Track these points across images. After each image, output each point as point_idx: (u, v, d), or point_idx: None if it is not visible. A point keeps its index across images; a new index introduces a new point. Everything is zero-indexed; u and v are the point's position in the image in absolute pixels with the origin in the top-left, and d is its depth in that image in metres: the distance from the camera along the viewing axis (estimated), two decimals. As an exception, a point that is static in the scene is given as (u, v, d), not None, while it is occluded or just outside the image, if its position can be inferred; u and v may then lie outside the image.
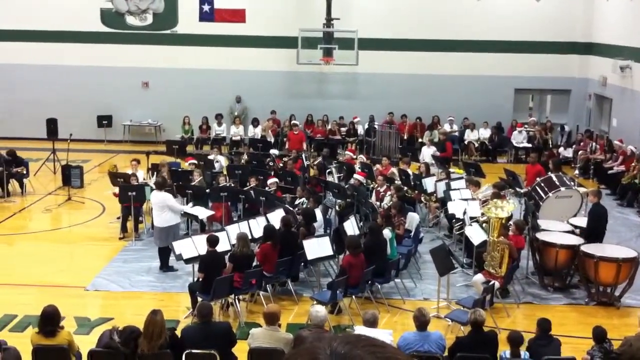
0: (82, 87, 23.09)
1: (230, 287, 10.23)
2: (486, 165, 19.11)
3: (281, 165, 16.77)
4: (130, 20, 23.37)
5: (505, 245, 10.78)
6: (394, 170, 16.02)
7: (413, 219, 12.99)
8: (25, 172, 17.21)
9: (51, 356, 7.80)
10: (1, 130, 22.79)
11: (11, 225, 15.14)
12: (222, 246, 10.82)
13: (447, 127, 21.95)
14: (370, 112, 22.57)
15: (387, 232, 11.38)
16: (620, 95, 20.39)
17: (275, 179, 14.62)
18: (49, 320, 7.79)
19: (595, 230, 12.11)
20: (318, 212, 12.80)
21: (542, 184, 13.83)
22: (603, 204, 12.70)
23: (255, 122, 22.49)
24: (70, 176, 17.46)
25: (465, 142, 22.23)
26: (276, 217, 12.05)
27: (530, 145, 21.65)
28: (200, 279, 10.34)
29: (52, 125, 19.47)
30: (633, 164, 17.15)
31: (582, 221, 12.73)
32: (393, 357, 1.68)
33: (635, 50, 19.09)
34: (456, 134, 22.24)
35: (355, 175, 15.45)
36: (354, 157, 18.32)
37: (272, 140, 21.32)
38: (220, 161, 17.13)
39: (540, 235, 11.81)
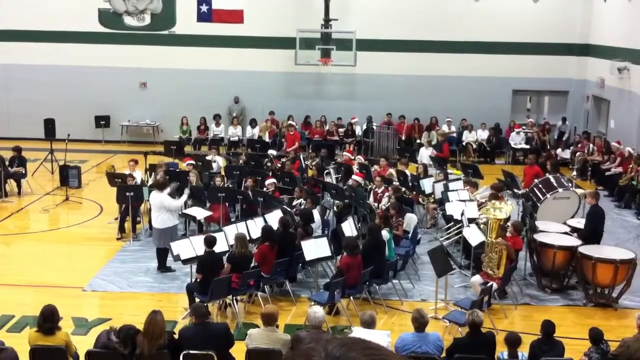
0: (80, 88, 23.09)
1: (228, 287, 10.22)
2: (484, 166, 19.11)
3: (279, 165, 16.78)
4: (128, 20, 23.37)
5: (503, 246, 10.78)
6: (392, 171, 16.03)
7: (411, 220, 13.00)
8: (23, 172, 17.20)
9: (49, 357, 7.80)
10: (-1, 130, 22.79)
11: (9, 226, 15.13)
12: (220, 247, 10.83)
13: (445, 128, 21.97)
14: (368, 113, 22.58)
15: (385, 233, 11.38)
16: (618, 97, 20.41)
17: (273, 180, 14.63)
18: (49, 317, 7.80)
19: (593, 232, 12.12)
20: (316, 213, 12.81)
21: (540, 185, 13.85)
22: (601, 205, 12.73)
23: (253, 123, 22.50)
24: (68, 176, 17.46)
25: (464, 143, 22.24)
26: (274, 218, 12.05)
27: (528, 146, 21.66)
28: (198, 280, 10.33)
29: (49, 126, 19.47)
30: (631, 166, 17.17)
31: (579, 222, 12.74)
32: None
33: (633, 52, 19.12)
34: (454, 135, 22.25)
35: (353, 176, 15.45)
36: (352, 158, 18.32)
37: (270, 140, 21.33)
38: (218, 162, 17.14)
39: (538, 237, 11.82)
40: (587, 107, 22.85)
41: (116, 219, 14.42)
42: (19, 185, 17.12)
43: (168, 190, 12.48)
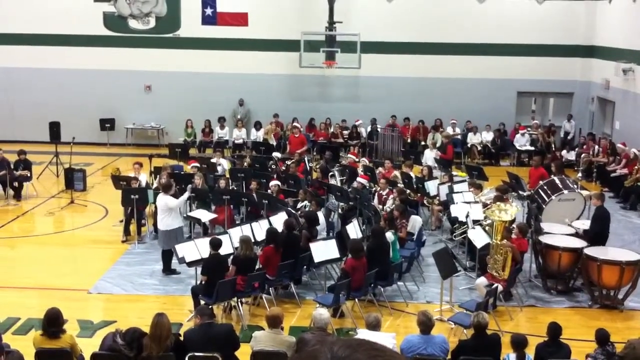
0: (85, 91, 23.15)
1: (233, 290, 10.23)
2: (489, 168, 19.11)
3: (284, 168, 16.79)
4: (133, 23, 23.42)
5: (508, 248, 10.77)
6: (397, 173, 16.02)
7: (416, 222, 12.99)
8: (29, 175, 17.24)
9: (54, 359, 7.81)
10: (4, 134, 22.84)
11: (14, 228, 15.17)
12: (225, 249, 10.83)
13: (449, 130, 21.95)
14: (372, 115, 22.58)
15: (389, 235, 11.38)
16: (623, 98, 20.38)
17: (277, 182, 14.63)
18: (53, 321, 7.81)
19: (599, 234, 12.10)
20: (320, 215, 12.81)
21: (545, 187, 13.83)
22: (606, 207, 12.70)
23: (258, 125, 22.52)
24: (73, 179, 17.49)
25: (468, 145, 22.22)
26: (279, 220, 12.06)
27: (533, 148, 21.64)
28: (203, 282, 10.34)
29: (54, 129, 19.50)
30: (636, 167, 17.13)
31: (585, 224, 12.71)
32: None
33: (638, 53, 19.08)
34: (459, 137, 22.25)
35: (357, 179, 15.46)
36: (356, 160, 18.31)
37: (274, 143, 21.34)
38: (223, 164, 17.15)
39: (543, 238, 11.80)
40: (592, 108, 22.81)
41: (121, 221, 14.45)
42: (19, 189, 17.07)
43: (171, 192, 12.47)
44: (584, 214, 13.63)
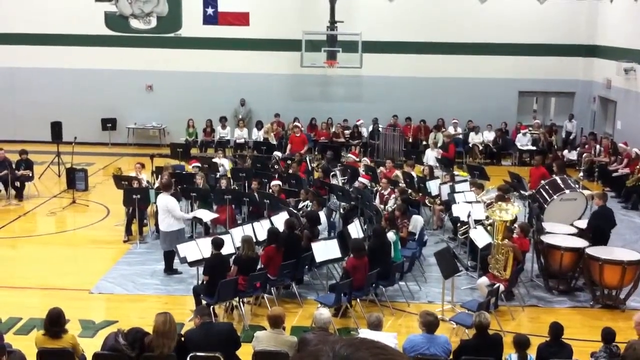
0: (87, 90, 23.17)
1: (235, 290, 10.23)
2: (490, 167, 19.10)
3: (284, 168, 16.79)
4: (134, 23, 23.43)
5: (509, 248, 10.76)
6: (398, 173, 16.02)
7: (417, 221, 12.99)
8: (30, 175, 17.24)
9: (56, 359, 7.81)
10: (6, 133, 22.85)
11: (16, 228, 15.17)
12: (227, 249, 10.84)
13: (451, 130, 21.94)
14: (374, 115, 22.57)
15: (391, 235, 11.38)
16: (625, 98, 20.37)
17: (278, 182, 14.64)
18: (55, 321, 7.81)
19: (599, 232, 12.09)
20: (322, 215, 12.81)
21: (547, 187, 13.82)
22: (608, 206, 12.70)
23: (259, 125, 22.53)
24: (75, 179, 17.50)
25: (470, 145, 22.21)
26: (280, 220, 12.06)
27: (534, 147, 21.63)
28: (205, 282, 10.34)
29: (56, 128, 19.51)
30: (637, 167, 17.13)
31: (586, 224, 12.71)
32: None
33: (639, 53, 19.10)
34: (460, 136, 22.24)
35: (359, 178, 15.46)
36: (357, 159, 18.31)
37: (276, 143, 21.34)
38: (224, 165, 17.14)
39: (545, 238, 11.80)
40: (594, 108, 22.80)
41: (124, 225, 14.37)
42: (21, 188, 17.08)
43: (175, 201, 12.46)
44: (586, 213, 13.61)
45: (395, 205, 13.16)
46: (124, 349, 7.56)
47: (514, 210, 11.31)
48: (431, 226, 14.89)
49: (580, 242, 11.71)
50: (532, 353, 8.13)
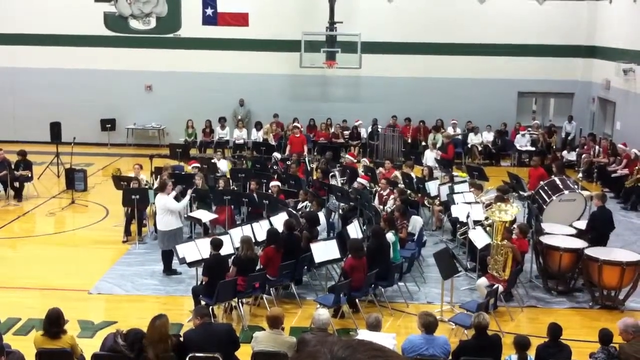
0: (86, 91, 23.17)
1: (234, 290, 10.23)
2: (489, 168, 19.11)
3: (284, 168, 16.79)
4: (134, 24, 23.43)
5: (509, 248, 10.77)
6: (397, 173, 16.02)
7: (416, 222, 12.99)
8: (29, 175, 17.24)
9: (55, 360, 7.82)
10: (5, 134, 22.86)
11: (15, 229, 15.17)
12: (226, 250, 10.83)
13: (450, 131, 21.95)
14: (373, 116, 22.59)
15: (390, 236, 11.38)
16: (624, 99, 20.38)
17: (277, 182, 14.64)
18: (54, 321, 7.81)
19: (597, 234, 12.10)
20: (321, 216, 12.81)
21: (546, 188, 13.83)
22: (607, 207, 12.70)
23: (259, 126, 22.52)
24: (74, 179, 17.49)
25: (469, 146, 22.22)
26: (279, 221, 12.06)
27: (533, 148, 21.64)
28: (204, 282, 10.34)
29: (55, 129, 19.51)
30: (637, 168, 17.13)
31: (586, 225, 12.71)
32: None
33: (639, 53, 19.08)
34: (459, 137, 22.25)
35: (358, 179, 15.46)
36: (355, 160, 18.32)
37: (275, 143, 21.34)
38: (222, 167, 17.07)
39: (544, 239, 11.80)
40: (593, 108, 22.81)
41: (123, 225, 14.35)
42: (20, 189, 17.06)
43: (173, 193, 12.48)
44: (585, 214, 13.61)
45: (394, 206, 13.17)
46: (123, 349, 7.56)
47: (513, 211, 11.32)
48: (430, 227, 14.89)
49: (579, 243, 11.71)
50: (530, 354, 8.13)
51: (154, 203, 13.25)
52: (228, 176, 16.06)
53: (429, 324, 8.06)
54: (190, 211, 14.15)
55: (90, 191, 17.93)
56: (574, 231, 12.46)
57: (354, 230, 12.17)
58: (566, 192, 13.62)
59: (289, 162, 17.09)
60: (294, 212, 12.99)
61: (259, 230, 12.00)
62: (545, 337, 8.46)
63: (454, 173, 17.42)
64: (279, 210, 12.87)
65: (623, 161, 18.29)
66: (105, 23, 23.31)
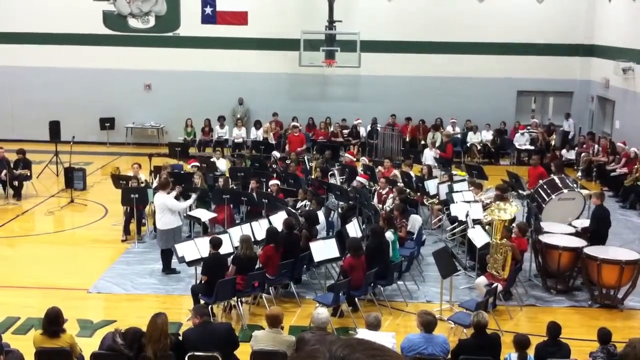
0: (85, 90, 23.15)
1: (233, 289, 10.22)
2: (489, 167, 19.10)
3: (283, 167, 16.78)
4: (133, 22, 23.42)
5: (508, 247, 10.77)
6: (397, 172, 16.02)
7: (415, 221, 12.99)
8: (28, 174, 17.22)
9: (54, 359, 7.81)
10: (4, 133, 22.82)
11: (14, 228, 15.16)
12: (225, 248, 10.83)
13: (449, 129, 21.95)
14: (372, 115, 22.58)
15: (389, 235, 11.38)
16: (623, 97, 20.38)
17: (277, 181, 14.63)
18: (53, 320, 7.81)
19: (598, 233, 12.11)
20: (320, 215, 12.81)
21: (545, 186, 13.83)
22: (606, 206, 12.70)
23: (258, 125, 22.52)
24: (73, 178, 17.47)
25: (468, 145, 22.22)
26: (279, 220, 12.06)
27: (532, 147, 21.64)
28: (203, 281, 10.34)
29: (54, 128, 19.50)
30: (636, 166, 17.13)
31: (585, 223, 12.71)
32: None
33: (637, 52, 19.08)
34: (458, 136, 22.25)
35: (357, 178, 15.45)
36: (354, 159, 18.31)
37: (274, 142, 21.34)
38: (220, 166, 17.04)
39: (543, 238, 11.80)
40: (592, 107, 22.81)
41: (122, 224, 14.35)
42: (19, 188, 17.04)
43: (174, 193, 12.48)
44: (584, 213, 13.62)
45: (393, 205, 13.17)
46: (121, 348, 7.56)
47: (512, 209, 11.32)
48: (429, 226, 14.89)
49: (578, 242, 11.71)
50: (529, 352, 8.13)
51: (153, 202, 13.24)
52: (227, 175, 16.05)
53: (428, 323, 8.06)
54: (190, 210, 14.14)
55: (90, 190, 17.92)
56: (573, 230, 12.46)
57: (353, 229, 12.17)
58: (565, 190, 13.62)
59: (288, 161, 17.09)
60: (293, 211, 12.98)
61: (258, 229, 12.00)
62: (544, 336, 8.46)
63: (453, 172, 17.41)
64: (278, 209, 12.87)
65: (622, 160, 18.29)
66: (104, 22, 23.29)
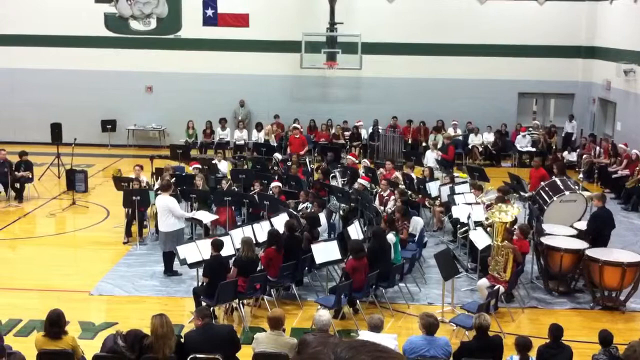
0: (86, 92, 23.16)
1: (235, 291, 10.22)
2: (490, 169, 19.09)
3: (284, 169, 16.78)
4: (134, 24, 23.44)
5: (509, 249, 10.76)
6: (398, 174, 16.01)
7: (417, 223, 12.98)
8: (30, 176, 17.23)
9: (56, 361, 7.81)
10: (6, 135, 22.84)
11: (15, 230, 15.17)
12: (227, 251, 10.83)
13: (451, 131, 21.94)
14: (373, 116, 22.57)
15: (391, 237, 11.37)
16: (625, 99, 20.37)
17: (278, 183, 14.63)
18: (55, 322, 7.81)
19: (598, 234, 12.10)
20: (322, 217, 12.80)
21: (547, 188, 13.82)
22: (608, 207, 12.69)
23: (259, 127, 22.52)
24: (75, 181, 17.48)
25: (469, 146, 22.21)
26: (280, 222, 12.05)
27: (534, 149, 21.63)
28: (205, 283, 10.34)
29: (56, 130, 19.52)
30: (637, 168, 17.13)
31: (585, 226, 12.71)
32: None
33: (639, 54, 19.06)
34: (460, 138, 22.24)
35: (359, 180, 15.44)
36: (356, 161, 18.30)
37: (276, 144, 21.34)
38: (222, 168, 17.04)
39: (545, 240, 11.79)
40: (594, 109, 22.80)
41: (124, 226, 14.34)
42: (21, 190, 17.05)
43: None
44: (586, 215, 13.60)
45: (395, 207, 13.16)
46: (123, 350, 7.55)
47: (514, 211, 11.31)
48: (431, 228, 14.89)
49: (580, 244, 11.70)
50: (531, 354, 8.13)
51: (154, 204, 13.25)
52: (229, 177, 16.05)
53: (430, 325, 8.05)
54: (191, 212, 14.13)
55: (91, 192, 17.92)
56: (574, 232, 12.45)
57: (355, 231, 12.16)
58: (567, 192, 13.61)
59: (289, 163, 17.08)
60: (295, 213, 12.98)
61: (260, 231, 11.99)
62: (546, 338, 8.46)
63: (455, 174, 17.40)
64: (280, 211, 12.87)
65: (624, 162, 18.28)
66: (105, 24, 23.32)
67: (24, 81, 23.30)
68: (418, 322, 8.35)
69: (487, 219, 12.20)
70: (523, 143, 21.95)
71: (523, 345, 7.94)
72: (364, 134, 22.63)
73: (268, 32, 22.70)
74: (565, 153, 21.24)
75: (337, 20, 21.81)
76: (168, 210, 12.04)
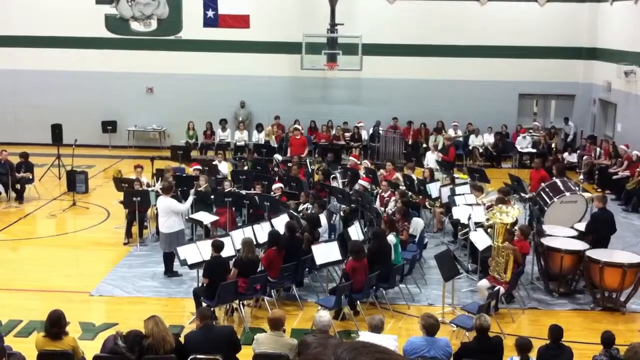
0: (87, 93, 23.18)
1: (235, 292, 10.22)
2: (490, 170, 19.09)
3: (285, 170, 16.78)
4: (135, 26, 23.44)
5: (510, 250, 10.76)
6: (398, 175, 16.02)
7: (417, 224, 12.98)
8: (31, 177, 17.24)
9: (56, 361, 7.81)
10: (6, 136, 22.84)
11: (16, 231, 15.17)
12: (227, 251, 10.83)
13: (451, 133, 21.94)
14: (374, 118, 22.56)
15: (391, 238, 11.37)
16: (625, 100, 20.37)
17: (280, 184, 14.63)
18: (56, 322, 7.81)
19: (598, 234, 12.10)
20: (322, 218, 12.80)
21: (547, 189, 13.81)
22: (608, 209, 12.69)
23: (260, 128, 22.53)
24: (75, 181, 17.49)
25: (470, 148, 22.21)
26: (281, 223, 12.06)
27: (534, 150, 21.63)
28: (205, 284, 10.34)
29: (57, 131, 19.52)
30: (638, 169, 17.11)
31: (585, 226, 12.70)
32: None
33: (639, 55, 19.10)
34: (460, 139, 22.24)
35: (359, 181, 15.45)
36: (358, 162, 18.32)
37: (276, 145, 21.34)
38: (222, 170, 17.03)
39: (545, 241, 11.79)
40: (594, 110, 22.80)
41: (124, 227, 14.35)
42: (23, 191, 17.06)
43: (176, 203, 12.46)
44: (586, 216, 13.60)
45: (395, 208, 13.17)
46: (123, 351, 7.55)
47: (514, 212, 11.31)
48: (431, 229, 14.89)
49: (581, 245, 11.70)
50: (533, 356, 8.12)
51: (155, 205, 13.25)
52: (229, 178, 16.05)
53: (430, 326, 8.05)
54: (191, 213, 14.14)
55: (92, 193, 17.93)
56: (575, 233, 12.45)
57: (355, 232, 12.16)
58: (567, 193, 13.60)
59: (290, 164, 17.08)
60: (295, 213, 12.98)
61: (260, 232, 11.99)
62: (546, 339, 8.46)
63: (455, 175, 17.41)
64: (280, 212, 12.87)
65: (624, 163, 18.27)
66: (106, 25, 23.32)
67: (25, 82, 23.30)
68: (419, 322, 8.36)
69: (487, 220, 12.21)
70: (523, 144, 21.95)
71: (523, 346, 7.93)
72: (365, 135, 22.63)
73: (269, 33, 22.71)
74: (566, 154, 21.23)
75: (338, 21, 21.81)
76: (169, 212, 12.04)
